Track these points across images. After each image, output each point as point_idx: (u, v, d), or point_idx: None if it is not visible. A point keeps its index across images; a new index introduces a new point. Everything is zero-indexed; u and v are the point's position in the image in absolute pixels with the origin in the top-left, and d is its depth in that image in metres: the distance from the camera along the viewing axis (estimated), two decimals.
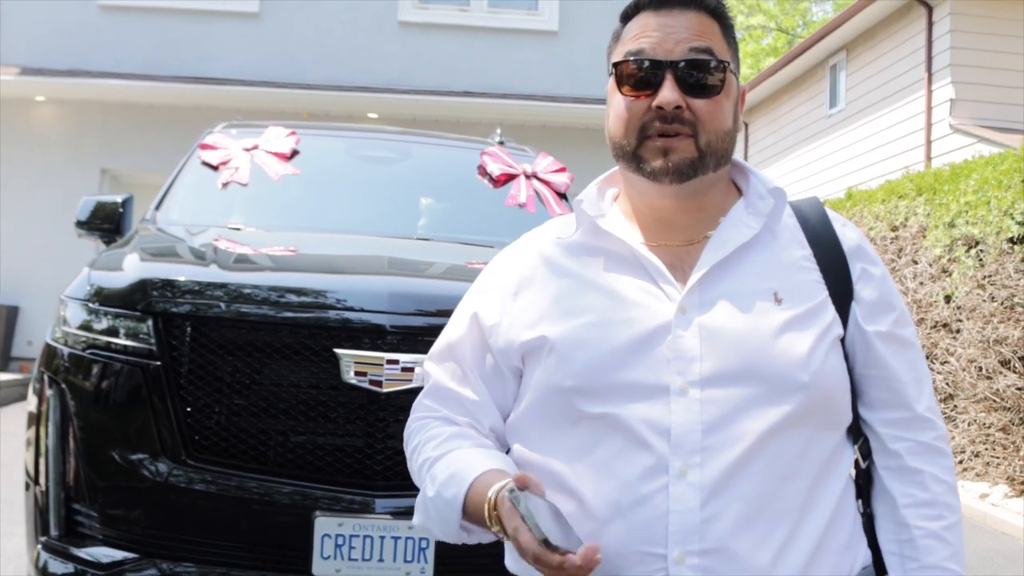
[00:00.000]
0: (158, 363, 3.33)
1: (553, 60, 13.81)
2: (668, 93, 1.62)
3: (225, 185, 4.99)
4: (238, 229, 4.47)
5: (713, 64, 1.65)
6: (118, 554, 3.34)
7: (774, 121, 23.21)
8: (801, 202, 1.81)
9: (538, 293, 1.72)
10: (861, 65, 18.64)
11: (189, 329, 3.37)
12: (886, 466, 1.72)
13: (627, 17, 1.75)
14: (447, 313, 3.45)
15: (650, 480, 1.53)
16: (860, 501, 1.74)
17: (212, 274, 3.52)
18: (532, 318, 1.70)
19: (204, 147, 5.21)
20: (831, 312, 1.66)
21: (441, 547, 3.26)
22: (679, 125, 1.63)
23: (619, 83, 1.69)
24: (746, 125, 25.18)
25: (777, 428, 1.55)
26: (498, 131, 6.23)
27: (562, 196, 5.44)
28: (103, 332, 3.45)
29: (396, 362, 3.31)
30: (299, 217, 4.92)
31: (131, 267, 3.62)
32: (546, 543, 1.36)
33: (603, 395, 1.58)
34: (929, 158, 15.93)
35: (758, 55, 34.56)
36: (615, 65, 1.70)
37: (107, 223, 4.94)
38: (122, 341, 3.40)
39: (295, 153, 5.19)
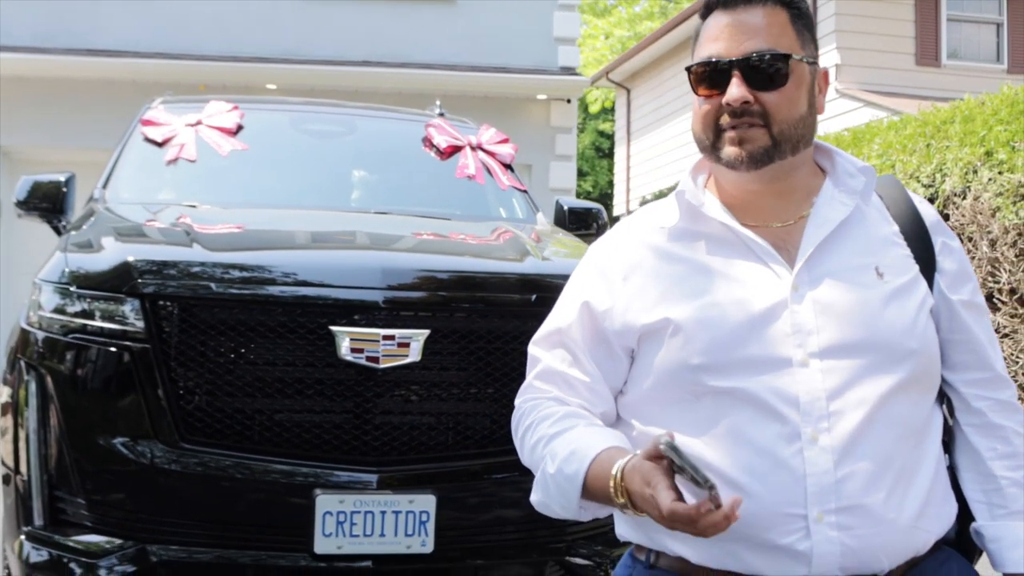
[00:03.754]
0: (147, 346, 3.28)
1: (451, 29, 13.71)
2: (734, 90, 1.72)
3: (172, 162, 4.88)
4: (194, 207, 4.39)
5: (775, 57, 1.73)
6: (108, 540, 3.29)
7: (656, 87, 23.46)
8: (880, 180, 1.91)
9: (650, 278, 1.80)
10: None
11: (179, 311, 3.31)
12: (970, 423, 1.85)
13: (704, 15, 1.83)
14: (440, 286, 3.53)
15: (785, 446, 1.63)
16: (947, 456, 1.86)
17: (198, 254, 3.46)
18: (649, 301, 1.77)
19: (146, 123, 5.08)
20: (924, 284, 1.79)
21: (442, 522, 3.29)
22: (749, 118, 1.73)
23: (693, 85, 1.79)
24: (628, 91, 25.44)
25: (892, 392, 1.67)
26: (438, 103, 6.22)
27: (507, 167, 5.47)
28: (86, 315, 3.37)
29: (392, 338, 3.31)
30: (254, 193, 4.84)
31: (111, 249, 3.54)
32: (707, 485, 1.41)
33: (729, 370, 1.67)
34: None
35: (634, 20, 34.79)
36: (688, 69, 1.80)
37: (46, 202, 4.78)
38: (107, 324, 3.32)
39: (240, 128, 5.10)
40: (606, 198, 30.86)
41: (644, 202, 18.27)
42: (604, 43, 33.61)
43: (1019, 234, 6.80)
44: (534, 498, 1.79)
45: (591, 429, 1.75)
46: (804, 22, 1.81)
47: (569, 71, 13.88)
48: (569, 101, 14.02)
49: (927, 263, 1.81)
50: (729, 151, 1.74)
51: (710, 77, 1.76)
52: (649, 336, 1.76)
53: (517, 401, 1.92)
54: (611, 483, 1.58)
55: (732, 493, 1.61)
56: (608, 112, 32.34)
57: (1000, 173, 7.05)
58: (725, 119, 1.75)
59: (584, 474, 1.65)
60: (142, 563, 3.24)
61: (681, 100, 21.81)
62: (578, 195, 31.52)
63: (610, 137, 32.61)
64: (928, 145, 8.17)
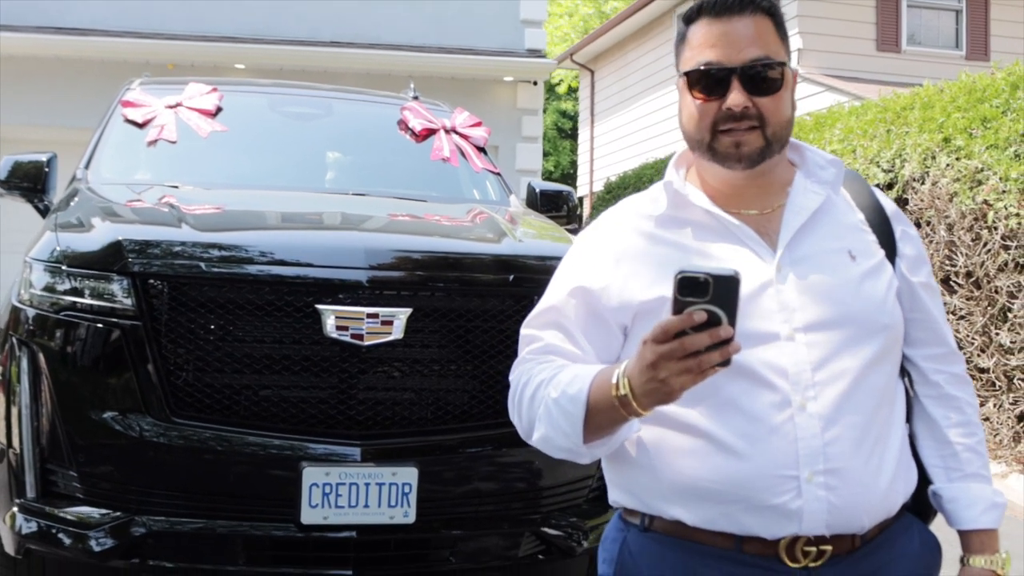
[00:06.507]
0: (137, 323, 3.37)
1: (419, 10, 13.79)
2: (736, 97, 1.85)
3: (153, 143, 4.97)
4: (176, 187, 4.48)
5: (773, 65, 1.87)
6: (98, 512, 3.39)
7: (620, 69, 23.59)
8: (844, 174, 2.06)
9: (643, 260, 1.91)
10: None
11: (168, 289, 3.41)
12: (927, 394, 2.04)
13: (689, 20, 1.94)
14: (422, 266, 3.66)
15: (777, 412, 1.77)
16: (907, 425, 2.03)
17: (187, 234, 3.57)
18: (645, 281, 1.88)
19: (126, 104, 5.16)
20: (889, 267, 1.95)
21: (423, 493, 3.42)
22: (747, 120, 1.86)
23: (690, 88, 1.90)
24: (592, 73, 25.56)
25: (869, 364, 1.84)
26: (411, 85, 6.32)
27: (481, 150, 5.59)
28: (77, 293, 3.46)
29: (376, 316, 3.43)
30: (234, 174, 4.94)
31: (102, 228, 3.63)
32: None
33: None
34: None
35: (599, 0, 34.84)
36: (686, 73, 1.91)
37: (27, 182, 4.86)
38: (98, 302, 3.41)
39: (219, 110, 5.19)
40: (568, 179, 30.97)
41: (609, 183, 18.39)
42: (568, 22, 33.67)
43: (975, 219, 6.98)
44: (536, 435, 1.84)
45: (589, 365, 1.83)
46: (783, 30, 1.95)
47: (535, 53, 14.01)
48: (535, 83, 14.14)
49: (889, 249, 1.97)
50: (727, 152, 1.87)
51: (708, 82, 1.87)
52: (645, 314, 1.86)
53: (511, 377, 1.96)
54: (613, 376, 1.64)
55: (729, 458, 1.78)
56: (571, 91, 32.39)
57: (958, 159, 7.23)
58: (725, 122, 1.86)
59: (588, 389, 1.71)
60: (132, 534, 3.34)
61: (645, 82, 21.96)
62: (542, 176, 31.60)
63: (572, 117, 32.67)
64: (888, 131, 8.34)
